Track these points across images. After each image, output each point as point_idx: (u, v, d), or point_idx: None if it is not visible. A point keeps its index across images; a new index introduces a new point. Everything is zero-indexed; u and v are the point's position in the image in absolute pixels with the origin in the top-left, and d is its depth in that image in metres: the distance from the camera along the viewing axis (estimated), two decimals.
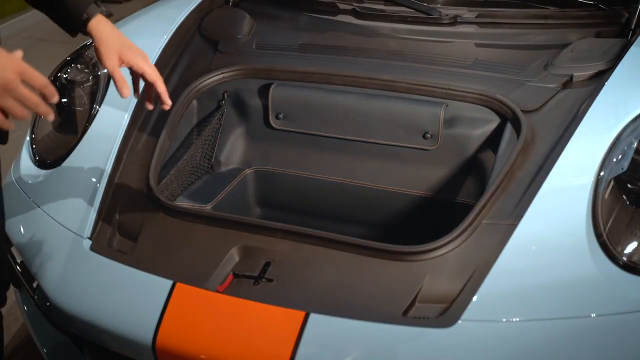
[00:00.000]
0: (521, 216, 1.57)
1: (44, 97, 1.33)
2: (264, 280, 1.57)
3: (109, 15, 1.65)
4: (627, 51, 1.90)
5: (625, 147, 1.64)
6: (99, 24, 1.61)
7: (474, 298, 1.47)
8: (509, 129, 1.81)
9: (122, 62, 1.61)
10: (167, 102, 1.68)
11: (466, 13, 2.21)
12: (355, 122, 1.98)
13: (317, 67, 2.02)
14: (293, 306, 1.50)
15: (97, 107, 2.03)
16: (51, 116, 1.36)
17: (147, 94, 1.70)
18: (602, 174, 1.61)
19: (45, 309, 1.71)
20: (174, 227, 1.70)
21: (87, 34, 1.62)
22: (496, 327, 1.44)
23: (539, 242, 1.55)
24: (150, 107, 1.72)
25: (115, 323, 1.57)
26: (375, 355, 1.44)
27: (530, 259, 1.53)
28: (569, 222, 1.56)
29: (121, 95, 1.59)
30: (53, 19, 1.65)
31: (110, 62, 1.59)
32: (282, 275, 1.57)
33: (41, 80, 1.31)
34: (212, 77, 2.04)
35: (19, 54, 1.32)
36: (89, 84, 2.10)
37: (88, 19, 1.60)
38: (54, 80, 2.13)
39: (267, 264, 1.59)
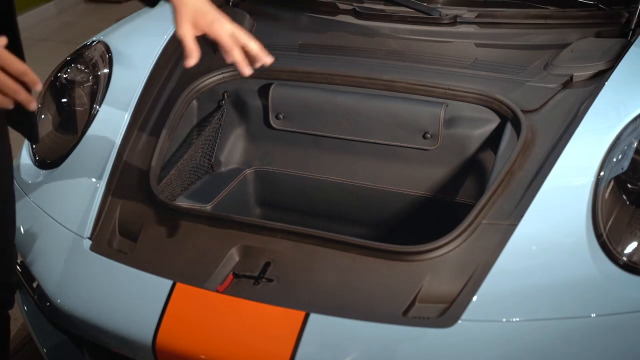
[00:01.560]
0: (521, 216, 1.57)
1: (25, 86, 1.28)
2: (264, 280, 1.57)
3: None
4: (627, 51, 1.90)
5: (625, 147, 1.64)
6: None
7: (474, 298, 1.47)
8: (509, 129, 1.81)
9: (196, 28, 1.51)
10: (264, 61, 1.56)
11: (466, 13, 2.21)
12: (355, 122, 1.98)
13: (317, 67, 2.02)
14: (293, 306, 1.50)
15: (97, 107, 2.03)
16: (33, 105, 1.31)
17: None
18: (602, 174, 1.61)
19: (45, 309, 1.71)
20: (174, 227, 1.70)
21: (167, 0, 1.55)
22: (496, 327, 1.44)
23: (539, 242, 1.55)
24: (246, 72, 1.56)
25: (115, 323, 1.57)
26: (375, 355, 1.44)
27: (530, 259, 1.53)
28: (569, 222, 1.56)
29: (186, 64, 1.51)
30: None
31: (182, 30, 1.50)
32: (282, 275, 1.57)
33: (19, 66, 1.27)
34: (212, 77, 2.04)
35: (2, 41, 1.27)
36: (89, 84, 2.10)
37: None
38: (54, 80, 2.13)
39: (267, 264, 1.59)
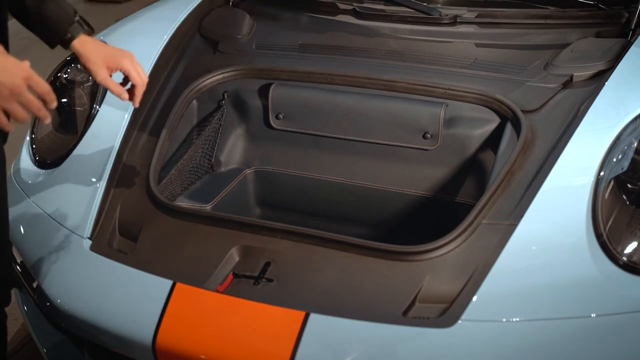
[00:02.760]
0: (521, 216, 1.57)
1: (44, 102, 1.41)
2: (264, 280, 1.57)
3: (90, 33, 1.72)
4: (627, 51, 1.90)
5: (625, 147, 1.64)
6: (82, 43, 1.69)
7: (474, 298, 1.47)
8: (509, 129, 1.81)
9: (110, 70, 1.68)
10: (135, 104, 1.72)
11: (466, 13, 2.21)
12: (355, 122, 1.98)
13: (317, 67, 2.02)
14: (293, 306, 1.50)
15: (97, 107, 2.03)
16: (48, 120, 1.42)
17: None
18: (602, 174, 1.61)
19: (45, 309, 1.71)
20: (174, 227, 1.70)
21: (70, 50, 1.70)
22: (496, 327, 1.44)
23: (539, 242, 1.55)
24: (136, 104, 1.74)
25: (115, 323, 1.57)
26: (375, 355, 1.44)
27: (530, 259, 1.53)
28: (569, 222, 1.56)
29: (122, 99, 1.68)
30: (35, 33, 1.73)
31: (101, 75, 1.67)
32: (282, 275, 1.57)
33: (45, 87, 1.40)
34: (212, 77, 2.04)
35: (27, 63, 1.39)
36: (89, 84, 2.10)
37: (72, 39, 1.68)
38: (54, 80, 2.13)
39: (267, 264, 1.59)
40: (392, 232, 2.01)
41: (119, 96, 1.68)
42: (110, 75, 1.67)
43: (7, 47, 1.58)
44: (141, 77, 1.70)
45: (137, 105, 1.73)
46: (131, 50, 2.17)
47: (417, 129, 1.93)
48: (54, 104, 1.42)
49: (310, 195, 2.06)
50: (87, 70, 1.70)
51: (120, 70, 1.70)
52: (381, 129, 1.96)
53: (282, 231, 1.64)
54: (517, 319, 1.45)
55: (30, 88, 1.37)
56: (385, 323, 1.45)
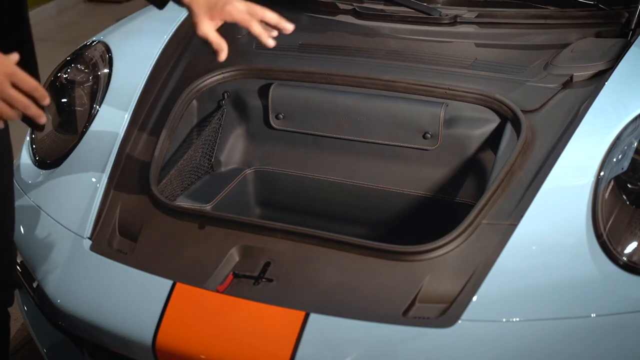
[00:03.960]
0: (521, 216, 1.57)
1: (35, 101, 1.34)
2: (264, 280, 1.57)
3: None
4: (627, 51, 1.90)
5: (625, 147, 1.64)
6: None
7: (474, 298, 1.47)
8: (509, 129, 1.81)
9: (214, 22, 1.55)
10: (285, 28, 1.56)
11: (466, 13, 2.21)
12: (355, 122, 1.98)
13: (317, 67, 2.02)
14: (293, 306, 1.50)
15: (97, 107, 2.03)
16: (43, 119, 1.35)
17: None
18: (602, 174, 1.61)
19: (45, 309, 1.72)
20: (174, 227, 1.70)
21: (180, 3, 1.58)
22: (496, 327, 1.44)
23: (539, 242, 1.55)
24: (270, 44, 1.59)
25: (115, 323, 1.58)
26: (375, 355, 1.44)
27: (530, 259, 1.53)
28: (569, 222, 1.56)
29: (218, 58, 1.57)
30: None
31: (202, 28, 1.54)
32: (282, 275, 1.57)
33: (31, 83, 1.32)
34: (212, 77, 2.04)
35: (14, 57, 1.33)
36: (89, 84, 2.10)
37: None
38: (54, 80, 2.13)
39: (267, 264, 1.59)
40: (392, 232, 2.01)
41: (218, 54, 1.55)
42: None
43: (30, 40, 1.53)
44: (255, 14, 1.53)
45: (270, 44, 1.56)
46: (131, 50, 2.18)
47: (417, 129, 1.93)
48: (46, 101, 1.34)
49: (310, 195, 2.06)
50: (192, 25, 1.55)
51: (226, 20, 1.55)
52: (381, 129, 1.96)
53: (282, 231, 1.64)
54: (517, 319, 1.45)
55: (16, 85, 1.30)
56: (385, 323, 1.46)
